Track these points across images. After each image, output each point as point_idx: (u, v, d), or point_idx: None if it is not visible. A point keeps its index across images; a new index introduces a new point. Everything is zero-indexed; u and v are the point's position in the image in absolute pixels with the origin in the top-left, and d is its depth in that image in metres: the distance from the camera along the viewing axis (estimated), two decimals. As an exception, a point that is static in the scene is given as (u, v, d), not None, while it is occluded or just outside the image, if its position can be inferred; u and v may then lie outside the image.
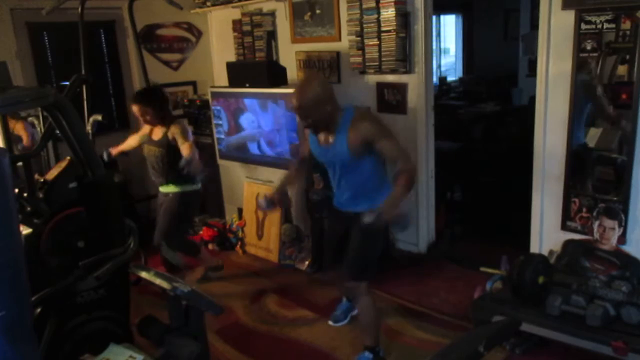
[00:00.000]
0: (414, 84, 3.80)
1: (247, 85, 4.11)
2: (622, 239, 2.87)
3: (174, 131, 3.34)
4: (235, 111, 4.27)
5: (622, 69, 2.76)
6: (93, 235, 2.21)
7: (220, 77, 5.11)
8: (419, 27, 3.68)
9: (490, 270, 3.11)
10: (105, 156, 3.57)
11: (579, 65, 2.87)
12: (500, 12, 7.51)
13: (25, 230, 2.24)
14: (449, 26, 8.04)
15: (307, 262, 4.06)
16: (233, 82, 4.29)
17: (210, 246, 4.60)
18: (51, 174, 3.06)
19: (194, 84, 5.31)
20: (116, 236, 2.25)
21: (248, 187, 4.59)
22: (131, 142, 3.70)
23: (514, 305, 2.72)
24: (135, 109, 3.40)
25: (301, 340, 3.13)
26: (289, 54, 4.52)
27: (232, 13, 4.85)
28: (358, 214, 2.60)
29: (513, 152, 4.73)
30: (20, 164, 2.83)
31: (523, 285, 2.68)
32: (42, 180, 2.99)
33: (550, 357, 2.75)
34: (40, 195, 2.84)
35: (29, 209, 2.47)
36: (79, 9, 3.89)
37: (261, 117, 4.09)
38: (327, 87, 2.51)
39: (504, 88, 6.96)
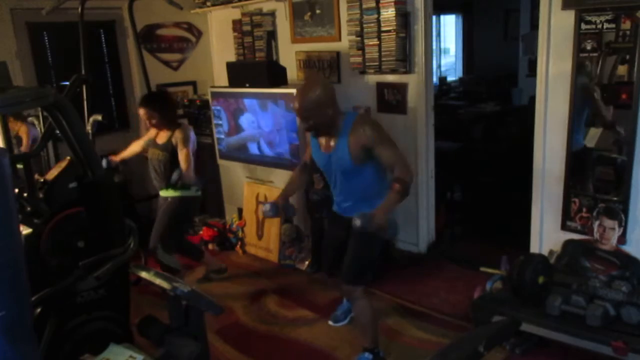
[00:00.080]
0: (414, 84, 3.80)
1: (247, 85, 4.11)
2: (622, 239, 2.87)
3: (177, 136, 3.38)
4: (235, 111, 4.27)
5: (622, 69, 2.76)
6: (93, 235, 2.21)
7: (220, 77, 5.11)
8: (419, 27, 3.68)
9: (490, 270, 3.11)
10: (105, 164, 3.56)
11: (579, 65, 2.87)
12: (500, 12, 7.50)
13: (25, 230, 2.24)
14: (449, 26, 8.04)
15: (307, 262, 4.06)
16: (233, 82, 4.29)
17: (210, 246, 4.60)
18: (51, 174, 3.06)
19: (194, 84, 5.31)
20: (116, 236, 2.25)
21: (248, 187, 4.59)
22: (134, 148, 3.72)
23: (514, 305, 2.72)
24: (141, 112, 3.43)
25: (301, 340, 3.13)
26: (289, 54, 4.52)
27: (232, 13, 4.85)
28: None
29: (513, 152, 4.73)
30: (20, 164, 2.83)
31: (523, 285, 2.68)
32: (42, 180, 3.00)
33: (550, 357, 2.75)
34: (40, 195, 2.84)
35: (29, 209, 2.47)
36: (79, 9, 3.89)
37: (261, 117, 4.09)
38: (330, 90, 2.51)
39: (504, 88, 6.95)
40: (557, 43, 2.96)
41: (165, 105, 3.43)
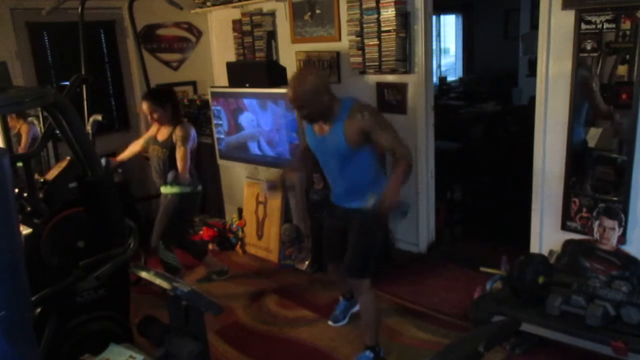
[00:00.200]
0: (414, 84, 3.80)
1: (247, 85, 4.11)
2: (622, 239, 2.87)
3: (177, 134, 3.38)
4: (235, 111, 4.27)
5: (622, 69, 2.76)
6: (93, 235, 2.21)
7: (220, 77, 5.11)
8: (419, 27, 3.68)
9: (490, 270, 3.11)
10: (104, 163, 3.56)
11: (579, 65, 2.87)
12: (500, 12, 7.51)
13: (25, 230, 2.24)
14: (449, 26, 8.05)
15: (307, 262, 4.06)
16: (233, 82, 4.29)
17: (210, 246, 4.59)
18: (51, 174, 3.06)
19: (194, 84, 5.31)
20: (116, 236, 2.25)
21: (248, 187, 4.59)
22: (133, 148, 3.72)
23: (514, 305, 2.72)
24: (144, 106, 3.43)
25: (301, 340, 3.13)
26: (289, 54, 4.52)
27: (232, 13, 4.85)
28: (353, 210, 2.61)
29: (513, 152, 4.73)
30: (20, 164, 2.83)
31: (523, 285, 2.68)
32: (42, 180, 2.99)
33: (550, 357, 2.75)
34: (40, 195, 2.84)
35: (29, 209, 2.46)
36: (79, 9, 3.89)
37: (261, 117, 4.09)
38: (323, 78, 2.52)
39: (504, 88, 6.96)
40: (557, 43, 2.96)
41: (168, 101, 3.43)
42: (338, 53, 4.17)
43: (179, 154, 3.34)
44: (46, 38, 4.56)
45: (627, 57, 2.71)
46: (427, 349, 2.89)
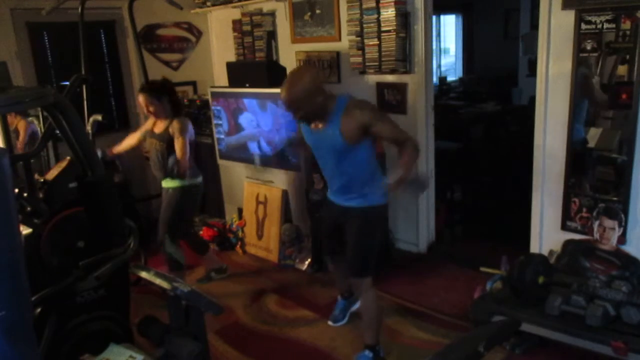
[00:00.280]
0: (414, 84, 3.80)
1: (247, 85, 4.11)
2: (622, 239, 2.87)
3: (174, 126, 3.36)
4: (235, 111, 4.27)
5: (622, 69, 2.76)
6: (93, 235, 2.21)
7: (220, 77, 5.11)
8: (419, 27, 3.68)
9: (490, 270, 3.11)
10: (100, 155, 3.55)
11: (579, 65, 2.87)
12: (500, 12, 7.51)
13: (25, 230, 2.24)
14: (449, 26, 8.05)
15: (307, 262, 4.06)
16: (233, 82, 4.29)
17: (210, 246, 4.59)
18: (51, 174, 3.06)
19: (194, 84, 5.31)
20: (116, 236, 2.25)
21: (248, 187, 4.59)
22: (130, 141, 3.70)
23: (514, 305, 2.72)
24: (140, 99, 3.42)
25: (301, 340, 3.13)
26: (289, 54, 4.52)
27: (232, 13, 4.85)
28: (350, 208, 2.62)
29: (513, 152, 4.73)
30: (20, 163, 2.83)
31: (523, 285, 2.68)
32: (42, 180, 2.99)
33: (550, 357, 2.75)
34: (40, 195, 2.84)
35: (29, 209, 2.46)
36: (79, 9, 3.89)
37: (260, 117, 4.09)
38: (316, 78, 2.50)
39: (504, 88, 6.96)
40: (557, 43, 2.96)
41: (164, 94, 3.41)
42: (338, 53, 4.17)
43: (177, 144, 3.32)
44: (46, 38, 4.56)
45: (627, 57, 2.71)
46: (427, 349, 2.89)
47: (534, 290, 2.67)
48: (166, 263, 3.63)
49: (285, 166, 4.08)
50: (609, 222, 2.88)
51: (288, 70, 4.18)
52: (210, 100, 4.47)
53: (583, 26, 2.80)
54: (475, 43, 7.82)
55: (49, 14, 4.03)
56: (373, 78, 4.00)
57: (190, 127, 3.45)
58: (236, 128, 4.32)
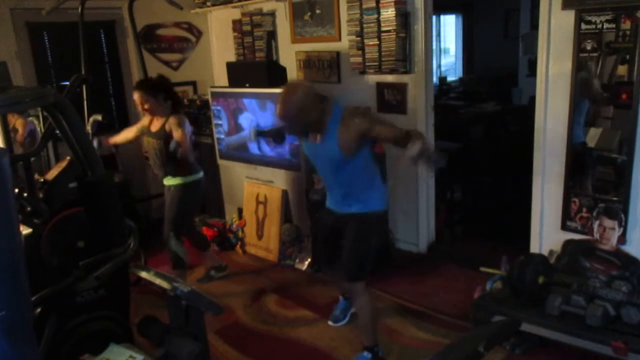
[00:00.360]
0: (414, 84, 3.80)
1: (247, 85, 4.11)
2: (622, 239, 2.87)
3: (170, 122, 3.35)
4: (235, 111, 4.27)
5: (622, 69, 2.76)
6: (93, 235, 2.21)
7: (220, 77, 5.11)
8: (419, 27, 3.68)
9: (490, 270, 3.11)
10: (96, 143, 3.54)
11: (579, 65, 2.87)
12: (500, 12, 7.50)
13: (25, 230, 2.24)
14: (449, 26, 8.04)
15: (307, 262, 4.06)
16: (233, 82, 4.29)
17: (210, 245, 4.60)
18: (51, 174, 3.06)
19: (194, 84, 5.31)
20: (116, 236, 2.25)
21: (248, 187, 4.59)
22: (128, 134, 3.70)
23: (514, 305, 2.72)
24: (135, 96, 3.41)
25: (301, 340, 3.13)
26: (289, 54, 4.52)
27: (232, 13, 4.85)
28: (350, 214, 2.62)
29: (513, 152, 4.73)
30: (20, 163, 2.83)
31: (523, 285, 2.68)
32: (42, 180, 3.00)
33: (550, 357, 2.75)
34: (40, 195, 2.84)
35: (29, 209, 2.46)
36: (79, 9, 3.90)
37: (260, 117, 4.09)
38: (310, 93, 2.48)
39: (504, 88, 6.96)
40: (557, 43, 2.96)
41: (160, 91, 3.40)
42: (338, 53, 4.17)
43: (177, 135, 3.30)
44: (46, 38, 4.57)
45: (627, 57, 2.71)
46: (427, 349, 2.89)
47: (534, 290, 2.67)
48: (170, 260, 3.63)
49: (285, 166, 4.08)
50: (609, 222, 2.88)
51: (288, 70, 4.19)
52: (210, 100, 4.47)
53: (583, 26, 2.80)
54: (475, 43, 7.82)
55: (49, 14, 4.04)
56: (373, 78, 4.00)
57: (188, 124, 3.44)
58: (236, 128, 4.32)
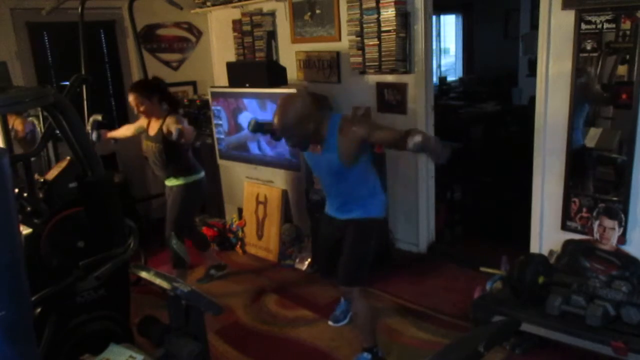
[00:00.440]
0: (414, 84, 3.80)
1: (247, 85, 4.11)
2: (622, 239, 2.86)
3: (168, 123, 3.33)
4: (235, 111, 4.27)
5: (622, 69, 2.76)
6: (93, 235, 2.21)
7: (220, 77, 5.11)
8: (419, 27, 3.68)
9: (490, 270, 3.11)
10: (94, 136, 3.52)
11: (579, 65, 2.86)
12: (500, 12, 7.50)
13: (25, 230, 2.24)
14: (449, 26, 8.04)
15: (307, 262, 4.06)
16: (233, 82, 4.29)
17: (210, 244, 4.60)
18: (51, 174, 3.06)
19: (194, 84, 5.31)
20: (116, 236, 2.25)
21: (248, 187, 4.59)
22: (125, 131, 3.70)
23: (514, 305, 2.72)
24: (130, 98, 3.39)
25: (301, 340, 3.13)
26: (289, 54, 4.52)
27: (232, 13, 4.85)
28: (350, 220, 2.63)
29: (513, 152, 4.73)
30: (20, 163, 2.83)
31: (523, 285, 2.68)
32: (42, 180, 3.00)
33: (550, 357, 2.75)
34: (40, 195, 2.84)
35: (29, 209, 2.46)
36: (79, 9, 3.90)
37: (260, 117, 4.08)
38: (307, 104, 2.47)
39: (504, 88, 6.96)
40: (557, 43, 2.96)
41: (155, 92, 3.38)
42: (338, 53, 4.17)
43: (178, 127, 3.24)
44: (46, 38, 4.57)
45: (627, 57, 2.70)
46: (427, 349, 2.89)
47: (534, 290, 2.66)
48: (170, 260, 3.63)
49: (285, 166, 4.08)
50: (609, 222, 2.88)
51: (288, 70, 4.19)
52: (210, 100, 4.47)
53: (583, 26, 2.80)
54: (475, 43, 7.81)
55: (49, 14, 4.04)
56: (373, 78, 4.00)
57: (186, 123, 3.43)
58: (236, 128, 4.32)
